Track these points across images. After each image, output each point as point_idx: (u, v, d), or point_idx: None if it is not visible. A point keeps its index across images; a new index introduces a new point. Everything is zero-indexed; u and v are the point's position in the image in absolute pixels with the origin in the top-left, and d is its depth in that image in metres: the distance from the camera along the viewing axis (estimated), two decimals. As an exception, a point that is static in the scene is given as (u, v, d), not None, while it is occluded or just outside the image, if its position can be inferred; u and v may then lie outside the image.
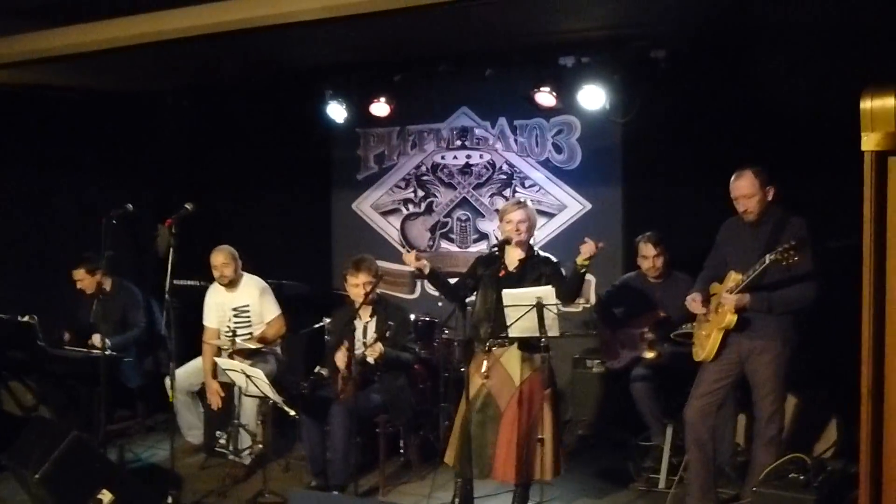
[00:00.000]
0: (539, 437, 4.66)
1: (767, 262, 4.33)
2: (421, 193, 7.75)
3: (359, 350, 5.34)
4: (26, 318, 6.40)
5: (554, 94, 6.45)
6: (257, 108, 7.75)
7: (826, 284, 4.50)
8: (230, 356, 5.74)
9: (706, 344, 4.68)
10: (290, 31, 5.21)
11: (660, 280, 5.83)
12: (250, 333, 6.18)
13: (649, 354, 5.62)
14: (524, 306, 4.54)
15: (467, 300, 5.07)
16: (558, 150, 7.16)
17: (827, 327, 4.73)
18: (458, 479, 4.97)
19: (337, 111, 7.27)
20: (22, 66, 6.19)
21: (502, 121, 7.36)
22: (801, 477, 4.24)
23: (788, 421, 4.99)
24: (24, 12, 5.48)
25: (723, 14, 5.39)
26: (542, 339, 4.57)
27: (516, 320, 4.58)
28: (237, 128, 8.00)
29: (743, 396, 5.05)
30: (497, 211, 6.58)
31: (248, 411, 5.87)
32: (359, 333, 5.49)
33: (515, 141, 7.33)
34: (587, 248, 4.59)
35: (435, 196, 7.70)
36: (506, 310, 4.63)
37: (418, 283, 7.63)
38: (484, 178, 7.48)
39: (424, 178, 7.73)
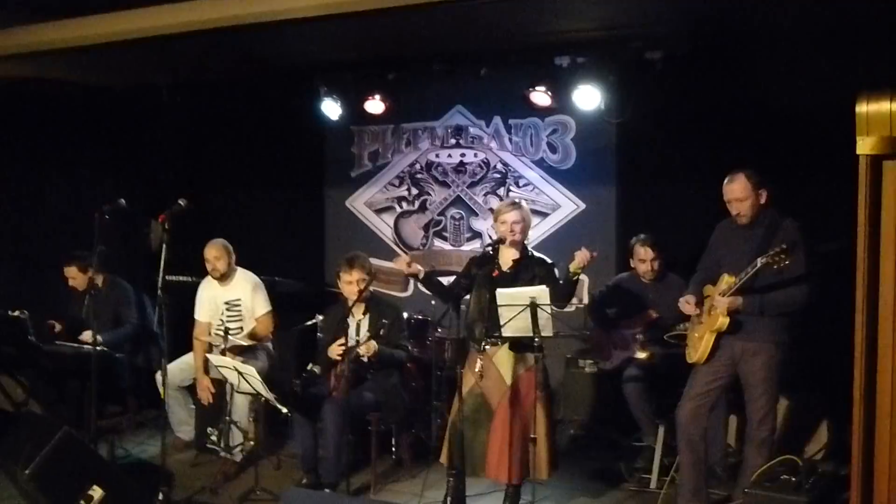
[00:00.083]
0: (532, 436, 4.67)
1: (759, 265, 4.34)
2: (415, 191, 7.74)
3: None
4: (17, 313, 6.38)
5: (549, 93, 6.45)
6: (251, 104, 7.72)
7: (818, 287, 4.51)
8: (222, 352, 5.73)
9: (699, 346, 4.69)
10: (286, 27, 5.20)
11: (653, 281, 5.84)
12: (241, 328, 6.17)
13: (642, 354, 5.63)
14: (518, 306, 4.55)
15: (462, 300, 5.08)
16: (553, 149, 7.16)
17: (818, 329, 4.75)
18: (450, 478, 4.98)
19: (331, 108, 7.26)
20: (14, 60, 6.16)
21: (497, 120, 7.36)
22: (793, 479, 4.24)
23: (779, 422, 5.00)
24: (16, 6, 5.46)
25: (718, 16, 5.40)
26: (536, 339, 4.57)
27: (510, 320, 4.59)
28: (231, 124, 7.98)
29: (735, 398, 5.07)
30: (491, 210, 6.60)
31: (240, 408, 5.86)
32: (352, 331, 5.48)
33: (510, 140, 7.32)
34: (581, 257, 4.60)
35: (429, 194, 7.70)
36: (499, 309, 4.63)
37: (411, 282, 7.62)
38: (478, 177, 7.47)
39: (418, 176, 7.72)
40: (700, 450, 4.76)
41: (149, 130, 8.28)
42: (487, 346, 4.83)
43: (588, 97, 6.35)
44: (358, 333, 5.45)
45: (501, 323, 4.63)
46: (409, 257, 5.13)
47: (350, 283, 5.47)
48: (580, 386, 6.51)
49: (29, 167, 7.53)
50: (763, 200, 4.60)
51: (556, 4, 5.23)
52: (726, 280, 4.58)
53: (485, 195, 7.45)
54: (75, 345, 6.44)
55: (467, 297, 5.04)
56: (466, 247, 7.50)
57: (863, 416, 3.69)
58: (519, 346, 4.80)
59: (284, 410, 5.20)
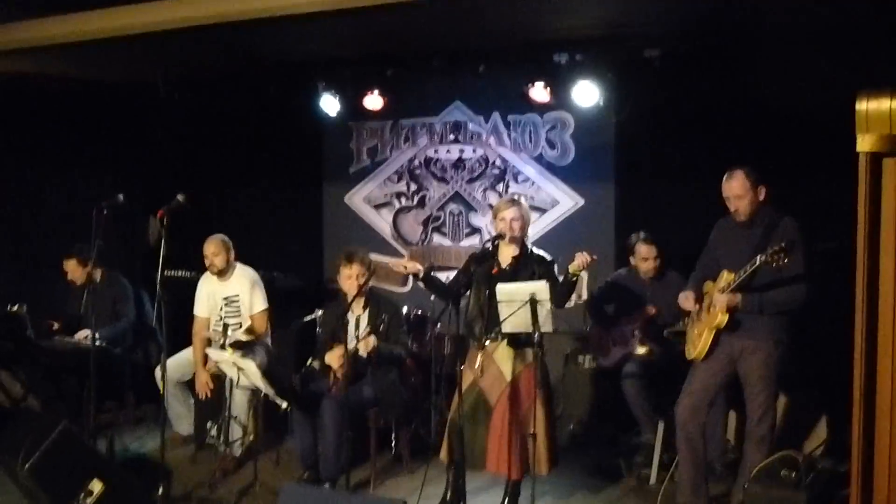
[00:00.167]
0: (531, 432, 4.67)
1: (758, 263, 4.34)
2: (413, 187, 7.74)
3: (351, 344, 5.33)
4: (15, 309, 6.38)
5: (548, 88, 6.45)
6: (250, 100, 7.70)
7: (817, 285, 4.51)
8: (221, 347, 5.72)
9: (698, 342, 4.70)
10: (284, 23, 5.19)
11: (653, 279, 5.85)
12: (240, 324, 6.17)
13: (641, 350, 5.64)
14: (517, 302, 4.55)
15: (462, 297, 5.07)
16: (551, 145, 7.17)
17: (817, 326, 4.76)
18: (449, 473, 4.98)
19: (330, 104, 7.25)
20: (13, 56, 6.14)
21: (496, 116, 7.37)
22: (793, 475, 4.26)
23: (778, 419, 5.01)
24: (15, 1, 5.44)
25: (717, 14, 5.39)
26: (536, 335, 4.57)
27: (509, 315, 4.59)
28: (230, 120, 7.96)
29: (734, 394, 5.07)
30: (490, 206, 6.60)
31: (239, 403, 5.85)
32: (351, 327, 5.48)
33: (509, 136, 7.33)
34: (581, 259, 4.59)
35: (427, 190, 7.70)
36: (499, 305, 4.63)
37: (410, 277, 7.62)
38: (477, 173, 7.48)
39: (417, 171, 7.73)
40: (699, 446, 4.76)
41: (147, 126, 8.26)
42: (487, 342, 4.83)
43: (587, 94, 6.36)
44: (357, 329, 5.45)
45: (501, 319, 4.63)
46: (407, 256, 5.13)
47: (350, 278, 5.46)
48: (579, 382, 6.51)
49: (27, 164, 7.51)
50: (762, 198, 4.60)
51: (555, 2, 5.23)
52: (726, 277, 4.59)
53: (483, 191, 7.46)
54: (73, 340, 6.44)
55: (468, 293, 5.04)
56: (465, 242, 7.51)
57: (862, 413, 3.70)
58: (518, 342, 4.80)
59: (284, 405, 5.20)
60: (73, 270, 6.67)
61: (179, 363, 6.18)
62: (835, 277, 4.24)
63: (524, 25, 5.73)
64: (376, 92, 7.07)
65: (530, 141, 7.25)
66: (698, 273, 4.94)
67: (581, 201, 7.08)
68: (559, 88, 6.47)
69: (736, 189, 4.59)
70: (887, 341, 3.68)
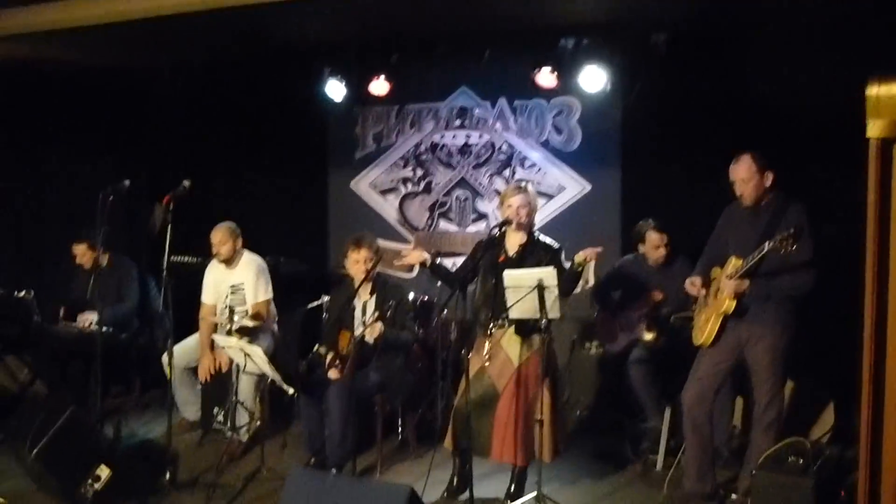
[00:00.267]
0: (538, 418, 4.67)
1: (766, 249, 4.33)
2: (420, 172, 7.72)
3: (358, 329, 5.33)
4: (22, 294, 6.38)
5: (554, 73, 6.42)
6: (255, 85, 7.67)
7: (825, 270, 4.50)
8: (228, 333, 5.73)
9: (705, 328, 4.69)
10: (290, 8, 5.16)
11: (661, 264, 5.84)
12: (246, 311, 6.17)
13: (648, 336, 5.65)
14: (525, 288, 4.54)
15: (469, 284, 5.07)
16: (558, 131, 7.14)
17: (824, 312, 4.75)
18: (455, 458, 4.99)
19: (336, 89, 7.21)
20: (15, 41, 6.12)
21: (502, 101, 7.34)
22: (800, 461, 4.26)
23: (785, 405, 5.00)
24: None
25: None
26: (543, 321, 4.56)
27: (517, 301, 4.58)
28: (235, 105, 7.93)
29: (740, 380, 5.07)
30: (497, 192, 6.57)
31: (246, 388, 5.86)
32: (358, 312, 5.49)
33: (515, 121, 7.30)
34: (586, 253, 4.60)
35: (433, 175, 7.68)
36: (506, 291, 4.62)
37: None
38: (483, 159, 7.46)
39: (423, 157, 7.70)
40: (706, 432, 4.76)
41: (152, 111, 8.24)
42: (494, 329, 4.83)
43: (593, 79, 6.34)
44: (364, 314, 5.45)
45: (508, 305, 4.62)
46: (413, 244, 5.12)
47: (357, 263, 5.46)
48: (586, 368, 6.51)
49: (33, 149, 7.50)
50: (768, 184, 4.58)
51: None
52: (733, 263, 4.58)
53: (490, 176, 7.44)
54: (79, 326, 6.45)
55: (476, 279, 5.03)
56: (472, 228, 7.50)
57: (870, 399, 3.69)
58: (525, 328, 4.79)
59: (290, 391, 5.21)
60: (83, 255, 6.70)
61: (186, 349, 6.19)
62: (843, 263, 4.22)
63: (531, 10, 5.70)
64: (382, 77, 7.04)
65: (536, 126, 7.22)
66: (705, 259, 4.93)
67: (588, 187, 7.06)
68: (566, 73, 6.44)
69: (742, 173, 4.58)
70: (896, 327, 3.67)
